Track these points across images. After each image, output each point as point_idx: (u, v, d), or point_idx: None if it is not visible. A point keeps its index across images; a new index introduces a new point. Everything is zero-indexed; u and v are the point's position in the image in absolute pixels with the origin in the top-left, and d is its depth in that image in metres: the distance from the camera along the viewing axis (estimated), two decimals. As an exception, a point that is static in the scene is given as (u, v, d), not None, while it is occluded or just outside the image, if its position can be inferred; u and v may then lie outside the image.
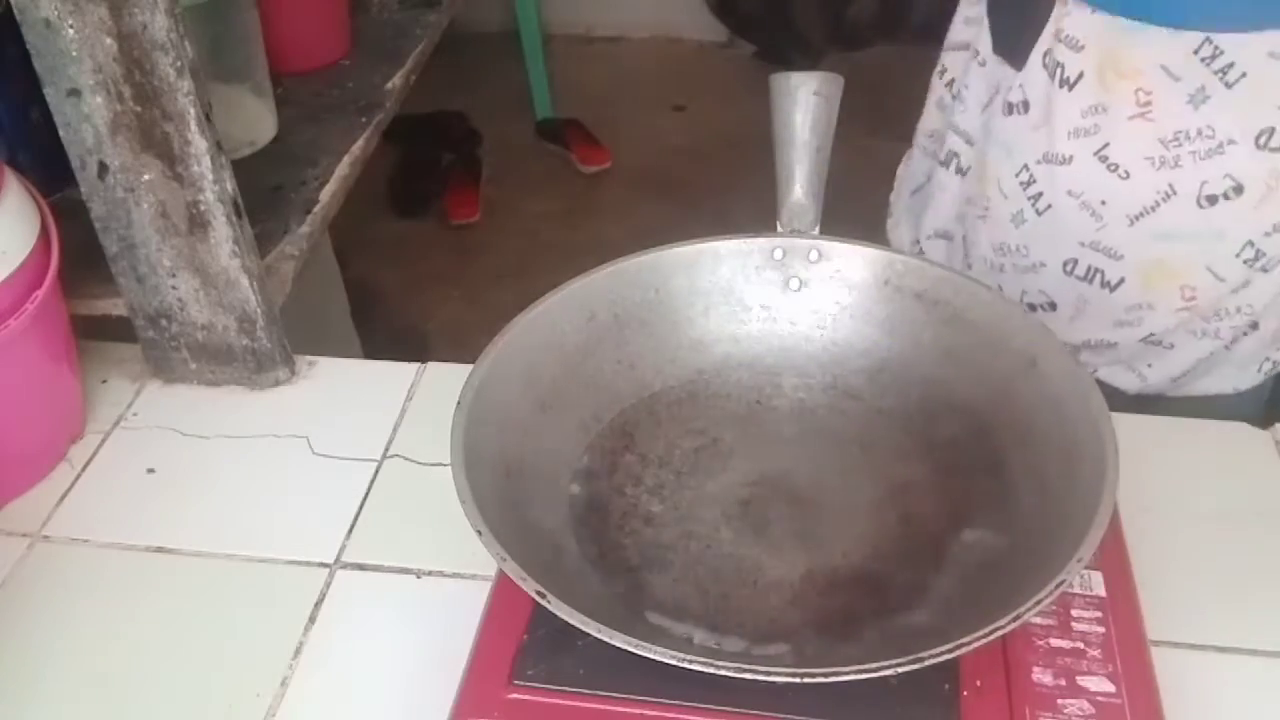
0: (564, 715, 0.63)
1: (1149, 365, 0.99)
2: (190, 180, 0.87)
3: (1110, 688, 0.64)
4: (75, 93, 0.84)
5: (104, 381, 0.99)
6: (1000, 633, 0.58)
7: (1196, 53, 0.83)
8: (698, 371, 0.81)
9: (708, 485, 0.75)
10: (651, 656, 0.58)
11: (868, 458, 0.76)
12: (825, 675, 0.57)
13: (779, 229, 0.81)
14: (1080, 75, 0.89)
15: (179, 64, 0.82)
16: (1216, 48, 0.83)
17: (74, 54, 0.82)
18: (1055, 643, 0.66)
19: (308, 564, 0.83)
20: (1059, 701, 0.64)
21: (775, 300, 0.82)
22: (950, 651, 0.57)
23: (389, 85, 1.27)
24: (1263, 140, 0.85)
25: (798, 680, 0.57)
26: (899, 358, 0.80)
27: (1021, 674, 0.65)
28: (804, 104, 0.81)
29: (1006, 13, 0.94)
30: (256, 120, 1.16)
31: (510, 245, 2.46)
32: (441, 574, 0.81)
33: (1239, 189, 0.87)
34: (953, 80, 1.02)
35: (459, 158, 2.74)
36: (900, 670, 0.57)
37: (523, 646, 0.66)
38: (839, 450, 0.77)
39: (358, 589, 0.81)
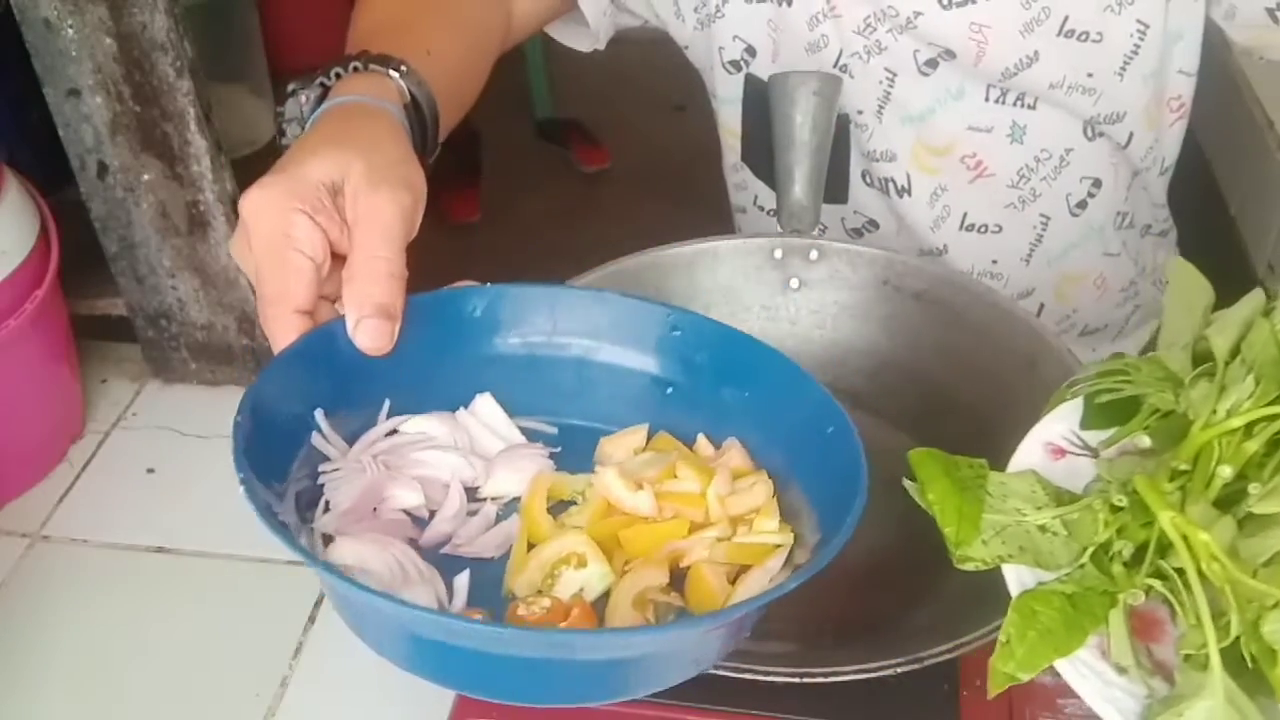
0: (563, 714, 0.63)
1: None
2: (190, 180, 0.87)
3: (1110, 687, 0.64)
4: (75, 93, 0.84)
5: (104, 381, 0.99)
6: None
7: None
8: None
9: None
10: (651, 656, 0.58)
11: (867, 458, 0.76)
12: (825, 675, 0.57)
13: (778, 229, 0.81)
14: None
15: (179, 64, 0.82)
16: None
17: (74, 54, 0.82)
18: (1055, 643, 0.66)
19: (308, 564, 0.83)
20: (1059, 701, 0.64)
21: (775, 300, 0.82)
22: (950, 651, 0.57)
23: (389, 85, 1.26)
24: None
25: (798, 680, 0.57)
26: (899, 358, 0.79)
27: (1021, 674, 0.65)
28: (803, 104, 0.81)
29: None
30: (256, 120, 1.16)
31: (510, 245, 2.46)
32: (441, 574, 0.81)
33: None
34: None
35: (458, 158, 2.74)
36: (900, 670, 0.57)
37: (522, 646, 0.66)
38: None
39: (357, 589, 0.81)
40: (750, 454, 0.61)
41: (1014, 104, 0.88)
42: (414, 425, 0.60)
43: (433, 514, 0.58)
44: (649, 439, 0.63)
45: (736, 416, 0.62)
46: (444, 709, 0.65)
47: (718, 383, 0.62)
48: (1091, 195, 0.93)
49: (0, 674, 0.77)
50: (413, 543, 0.57)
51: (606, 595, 0.55)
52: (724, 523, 0.57)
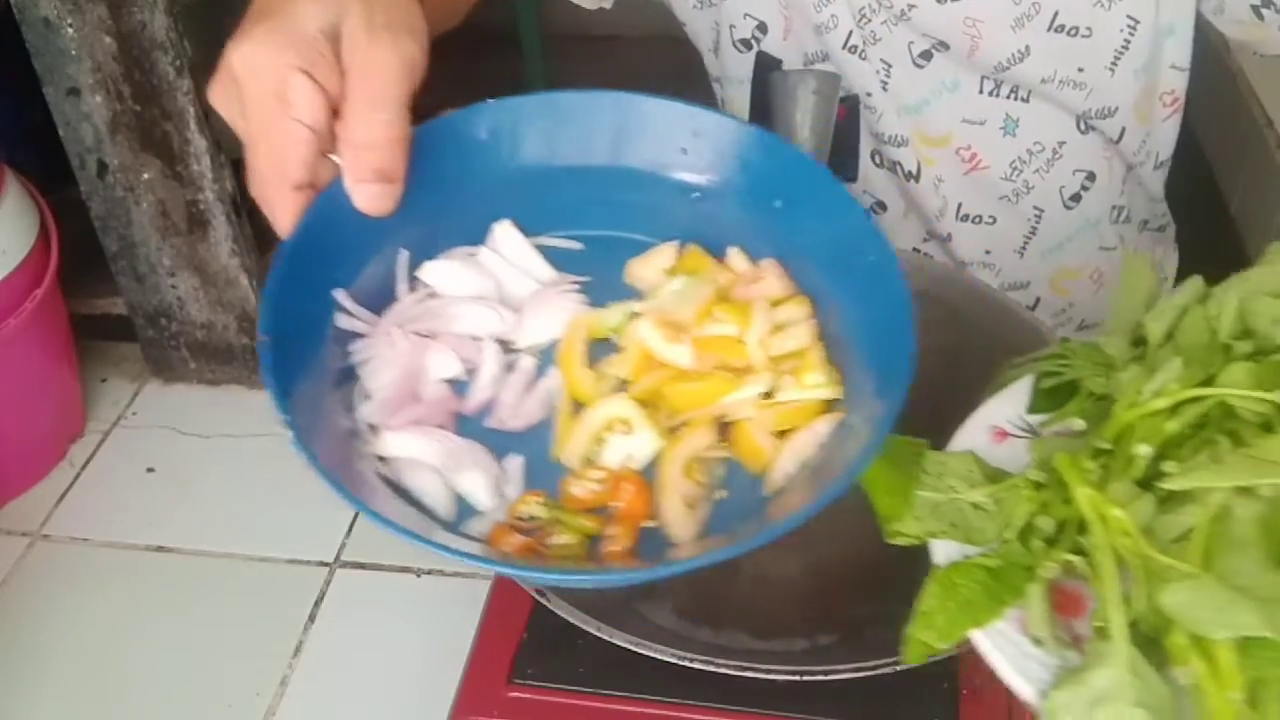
0: (563, 714, 0.63)
1: None
2: (190, 179, 0.87)
3: (1110, 687, 0.64)
4: (75, 92, 0.84)
5: (104, 381, 0.99)
6: (1000, 632, 0.58)
7: None
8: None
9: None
10: (651, 655, 0.58)
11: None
12: (825, 674, 0.57)
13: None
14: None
15: (178, 63, 0.82)
16: None
17: (73, 53, 0.82)
18: (1055, 642, 0.66)
19: (308, 563, 0.83)
20: (1059, 700, 0.64)
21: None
22: (950, 651, 0.57)
23: (389, 84, 1.26)
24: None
25: (797, 679, 0.57)
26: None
27: (1021, 673, 0.65)
28: (803, 103, 0.81)
29: None
30: (256, 119, 1.16)
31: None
32: (441, 573, 0.81)
33: None
34: None
35: (459, 157, 2.73)
36: (900, 669, 0.57)
37: (522, 645, 0.66)
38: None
39: (358, 588, 0.81)
40: (789, 275, 0.58)
41: (1007, 97, 0.88)
42: (434, 273, 0.57)
43: (471, 375, 0.56)
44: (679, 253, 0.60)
45: (768, 229, 0.58)
46: (444, 709, 0.65)
47: (746, 188, 0.59)
48: (1085, 189, 0.93)
49: (0, 674, 0.77)
50: (458, 415, 0.55)
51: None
52: (766, 370, 0.55)
